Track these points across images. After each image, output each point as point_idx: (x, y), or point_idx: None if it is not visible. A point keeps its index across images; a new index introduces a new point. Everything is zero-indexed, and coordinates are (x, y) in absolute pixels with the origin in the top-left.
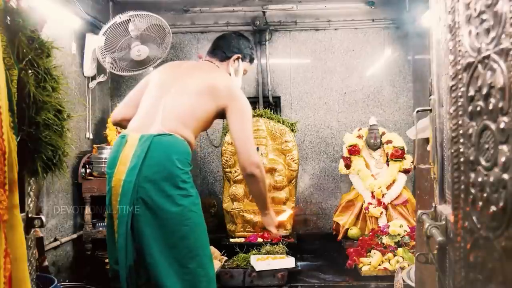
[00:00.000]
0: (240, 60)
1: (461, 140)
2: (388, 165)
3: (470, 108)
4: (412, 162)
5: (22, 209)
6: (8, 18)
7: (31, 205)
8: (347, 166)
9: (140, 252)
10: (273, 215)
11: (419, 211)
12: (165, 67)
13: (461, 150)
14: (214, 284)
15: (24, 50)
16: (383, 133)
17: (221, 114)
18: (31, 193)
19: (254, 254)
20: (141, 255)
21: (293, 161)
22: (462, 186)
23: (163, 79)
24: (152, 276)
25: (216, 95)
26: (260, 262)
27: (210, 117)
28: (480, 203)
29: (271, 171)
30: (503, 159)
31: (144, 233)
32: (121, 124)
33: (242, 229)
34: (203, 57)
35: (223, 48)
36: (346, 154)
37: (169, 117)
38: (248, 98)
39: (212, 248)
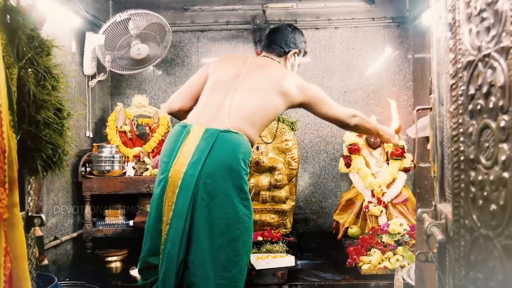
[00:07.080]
0: (296, 55)
1: (461, 139)
2: (388, 163)
3: (470, 106)
4: (412, 161)
5: (22, 208)
6: (8, 16)
7: (31, 203)
8: (347, 165)
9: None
10: (388, 130)
11: (419, 210)
12: (227, 62)
13: (461, 148)
14: None
15: (24, 49)
16: None
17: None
18: (31, 192)
19: (254, 253)
20: (187, 251)
21: (293, 160)
22: (462, 185)
23: (227, 75)
24: (189, 274)
25: (287, 95)
26: (260, 261)
27: (278, 115)
28: (480, 202)
29: (271, 170)
30: (503, 157)
31: (195, 229)
32: (177, 114)
33: None
34: (260, 53)
35: (280, 43)
36: (346, 152)
37: (236, 114)
38: None
39: None
